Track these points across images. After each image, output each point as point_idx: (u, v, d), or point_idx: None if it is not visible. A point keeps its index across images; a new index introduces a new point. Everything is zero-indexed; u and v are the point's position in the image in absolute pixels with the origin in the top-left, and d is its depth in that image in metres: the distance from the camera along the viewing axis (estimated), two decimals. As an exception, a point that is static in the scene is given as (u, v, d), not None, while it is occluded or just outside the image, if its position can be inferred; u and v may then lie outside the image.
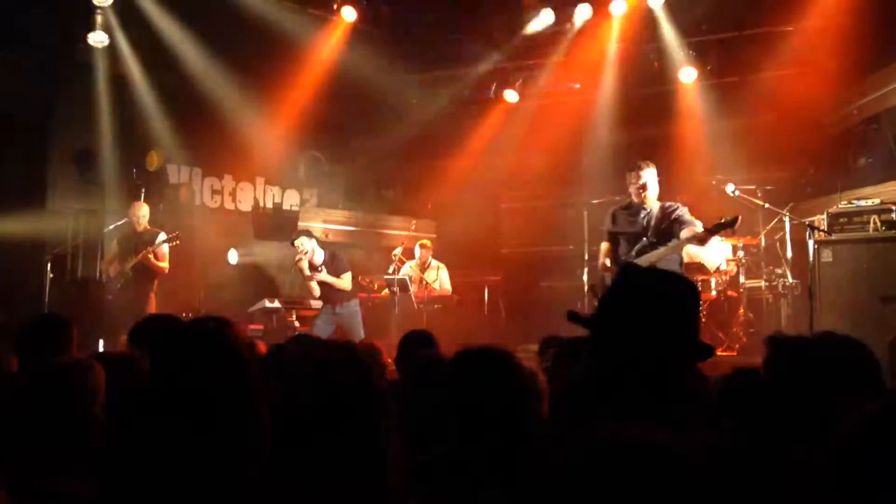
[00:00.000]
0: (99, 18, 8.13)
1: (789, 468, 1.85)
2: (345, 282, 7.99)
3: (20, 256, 7.66)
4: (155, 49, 8.52)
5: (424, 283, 9.05)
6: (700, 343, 1.76)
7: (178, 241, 7.70)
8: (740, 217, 5.92)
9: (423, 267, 9.21)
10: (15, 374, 3.09)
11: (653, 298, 1.73)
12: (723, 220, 5.87)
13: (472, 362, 2.13)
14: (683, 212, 6.04)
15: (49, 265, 7.63)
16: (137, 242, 7.64)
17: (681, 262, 6.15)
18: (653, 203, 6.11)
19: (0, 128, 8.10)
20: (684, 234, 5.83)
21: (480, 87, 10.30)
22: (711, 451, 1.71)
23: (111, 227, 8.02)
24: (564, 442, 1.15)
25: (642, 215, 6.11)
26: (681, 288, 1.77)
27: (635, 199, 6.15)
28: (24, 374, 2.64)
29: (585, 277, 8.78)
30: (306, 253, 7.81)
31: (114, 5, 8.15)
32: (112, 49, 8.40)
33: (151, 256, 7.54)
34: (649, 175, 6.08)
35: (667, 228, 5.98)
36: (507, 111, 10.35)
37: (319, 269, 7.94)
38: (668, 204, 6.14)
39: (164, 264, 7.69)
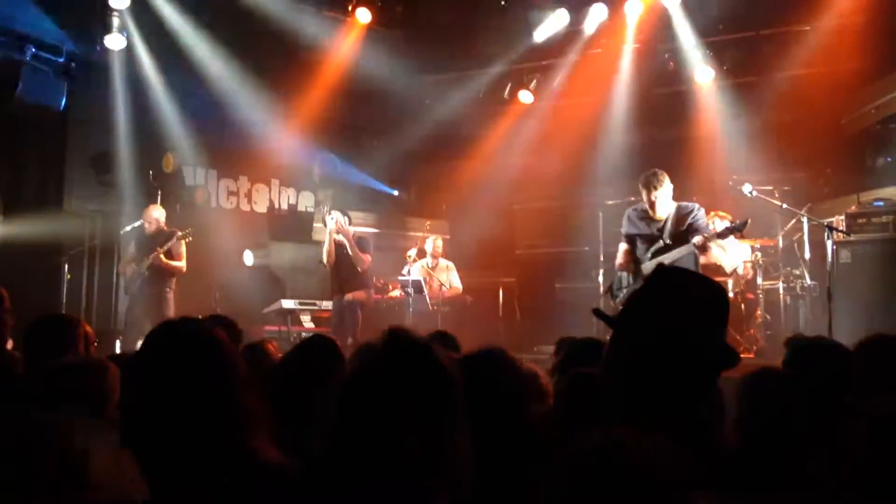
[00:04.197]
0: (116, 21, 8.18)
1: (804, 468, 1.83)
2: (363, 260, 8.11)
3: (37, 257, 7.71)
4: (171, 51, 8.56)
5: (438, 283, 9.04)
6: (727, 348, 1.72)
7: (189, 238, 7.73)
8: (749, 220, 5.94)
9: (435, 265, 9.22)
10: (26, 372, 3.09)
11: (683, 301, 1.70)
12: (732, 225, 5.93)
13: (473, 366, 2.15)
14: (698, 216, 6.04)
15: (66, 266, 7.69)
16: (153, 243, 7.69)
17: (696, 263, 6.12)
18: (667, 211, 6.10)
19: (18, 130, 8.17)
20: (696, 240, 5.86)
21: (495, 88, 10.28)
22: (714, 456, 1.69)
23: (127, 228, 8.07)
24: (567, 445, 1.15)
25: (658, 218, 6.11)
26: (711, 291, 1.75)
27: (649, 210, 6.15)
28: (36, 373, 2.63)
29: (601, 279, 8.75)
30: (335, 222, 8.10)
31: (130, 8, 8.19)
32: (129, 51, 8.45)
33: (163, 256, 7.58)
34: (660, 194, 6.04)
35: (682, 232, 5.99)
36: (521, 112, 10.32)
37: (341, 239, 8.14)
38: (683, 204, 6.12)
39: (181, 263, 7.74)
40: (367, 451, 1.37)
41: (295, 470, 1.52)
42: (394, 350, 1.46)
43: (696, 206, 6.16)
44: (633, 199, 9.31)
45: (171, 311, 7.50)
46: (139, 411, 1.59)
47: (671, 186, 6.09)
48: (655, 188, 6.02)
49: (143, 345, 1.75)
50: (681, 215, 6.04)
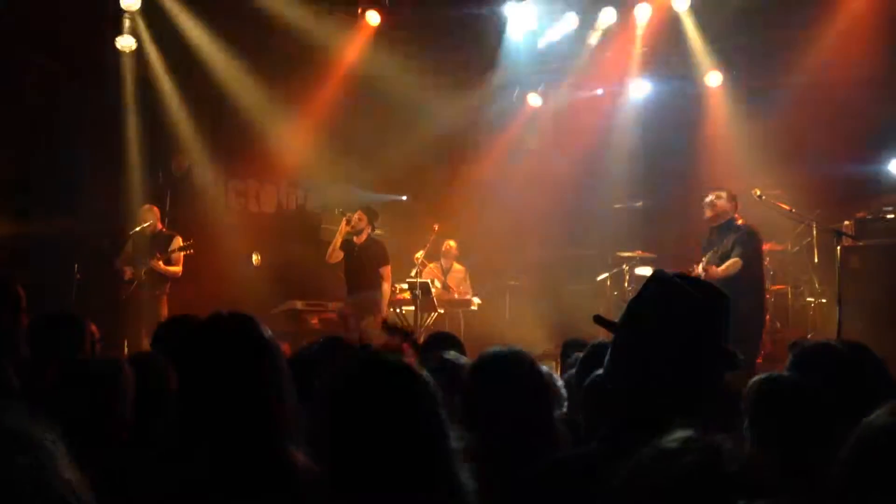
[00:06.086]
0: (127, 23, 8.22)
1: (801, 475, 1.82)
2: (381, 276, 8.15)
3: (49, 257, 7.75)
4: (181, 53, 8.60)
5: (447, 286, 9.05)
6: (728, 352, 1.72)
7: (191, 251, 7.78)
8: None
9: (448, 269, 9.23)
10: (40, 369, 3.08)
11: (681, 306, 1.70)
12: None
13: (491, 365, 2.14)
14: (743, 239, 6.45)
15: (76, 266, 7.71)
16: (151, 245, 7.73)
17: (739, 276, 6.28)
18: (727, 224, 6.55)
19: (28, 130, 8.20)
20: (700, 268, 6.42)
21: (504, 91, 10.27)
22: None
23: (137, 228, 8.10)
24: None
25: (718, 235, 6.59)
26: (710, 296, 1.74)
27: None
28: (52, 372, 2.64)
29: (608, 282, 8.74)
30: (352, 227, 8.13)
31: (141, 10, 8.23)
32: (139, 53, 8.48)
33: (161, 263, 7.64)
34: (717, 206, 6.58)
35: (728, 251, 6.40)
36: (530, 115, 10.31)
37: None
38: (738, 224, 6.58)
39: (177, 268, 7.81)
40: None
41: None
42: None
43: (749, 227, 6.54)
44: (639, 203, 9.37)
45: (165, 314, 7.54)
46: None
47: (725, 199, 6.58)
48: (712, 192, 6.65)
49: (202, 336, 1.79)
50: (732, 234, 6.43)
